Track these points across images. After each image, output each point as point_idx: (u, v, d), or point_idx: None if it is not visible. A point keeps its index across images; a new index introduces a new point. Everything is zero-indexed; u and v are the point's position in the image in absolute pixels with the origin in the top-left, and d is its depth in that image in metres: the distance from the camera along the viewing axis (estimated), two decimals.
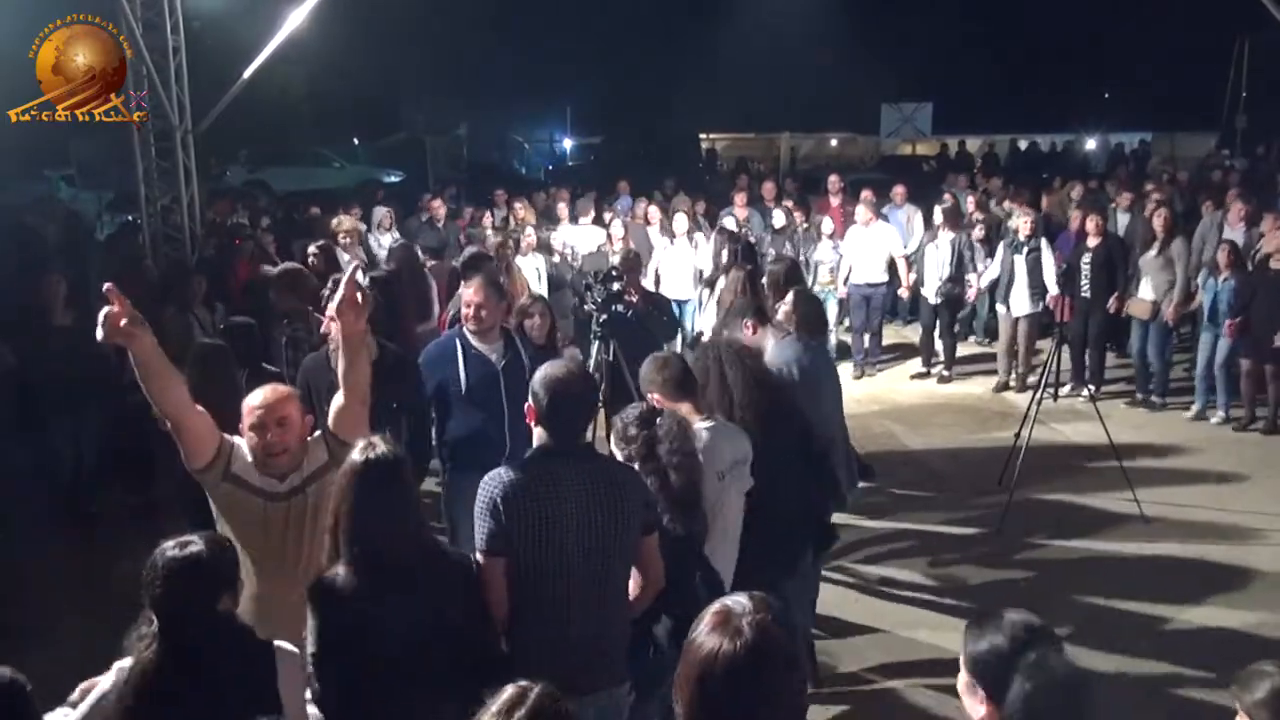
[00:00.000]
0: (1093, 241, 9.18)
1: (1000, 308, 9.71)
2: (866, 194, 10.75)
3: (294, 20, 9.94)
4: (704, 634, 1.97)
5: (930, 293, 9.87)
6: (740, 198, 11.57)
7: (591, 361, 7.28)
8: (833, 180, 12.11)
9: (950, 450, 8.12)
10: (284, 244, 9.72)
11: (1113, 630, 5.30)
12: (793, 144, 30.86)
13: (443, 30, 25.69)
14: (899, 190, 11.69)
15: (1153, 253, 8.97)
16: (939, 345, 10.17)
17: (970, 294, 10.03)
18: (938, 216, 10.05)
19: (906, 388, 9.95)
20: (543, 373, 3.16)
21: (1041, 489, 7.06)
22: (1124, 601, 5.59)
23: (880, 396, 9.64)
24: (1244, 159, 18.40)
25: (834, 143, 33.95)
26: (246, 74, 10.02)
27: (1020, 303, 9.40)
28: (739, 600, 2.00)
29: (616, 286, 6.49)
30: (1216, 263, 8.49)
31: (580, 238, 10.12)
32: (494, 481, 3.00)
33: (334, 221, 8.94)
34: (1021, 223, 9.57)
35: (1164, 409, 8.91)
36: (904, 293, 10.52)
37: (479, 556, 2.99)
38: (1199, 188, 13.28)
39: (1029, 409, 6.95)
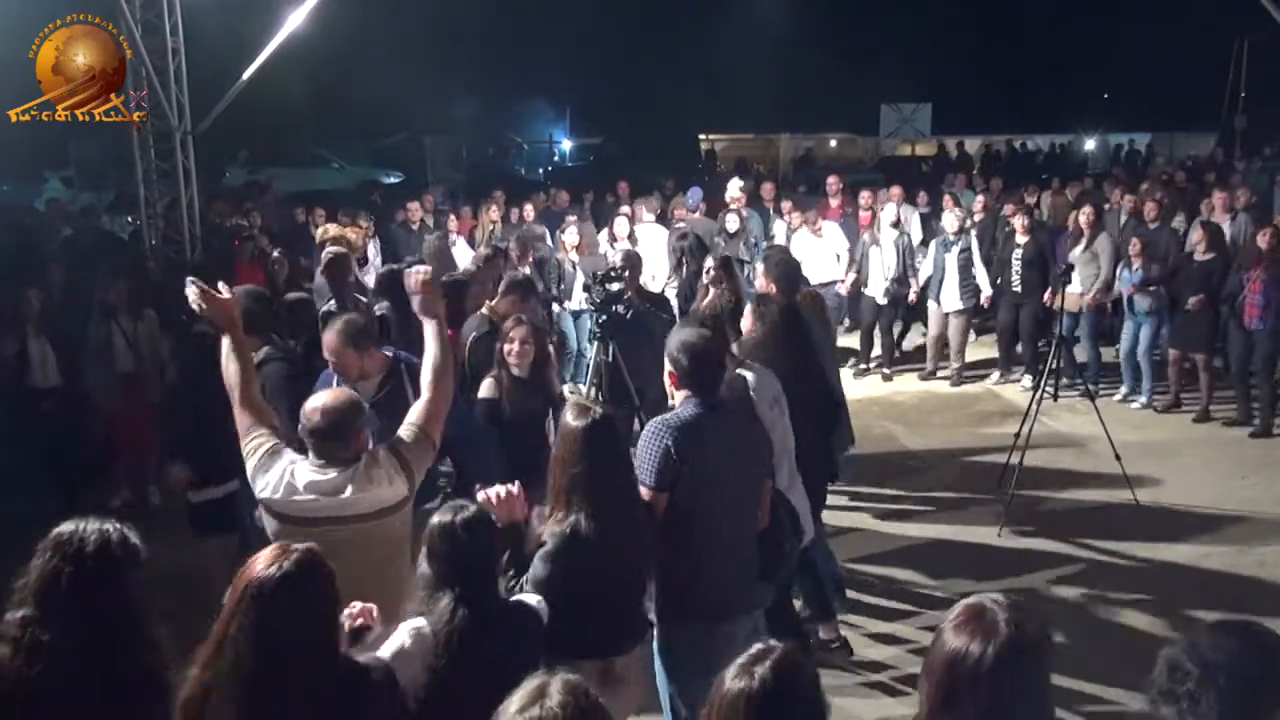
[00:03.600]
0: (1022, 239, 9.47)
1: (931, 303, 9.92)
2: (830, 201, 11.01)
3: (294, 20, 9.93)
4: (953, 632, 1.92)
5: (877, 293, 9.95)
6: (740, 199, 11.55)
7: (590, 362, 7.28)
8: (832, 181, 12.10)
9: (950, 450, 8.12)
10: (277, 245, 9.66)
11: (1114, 630, 5.31)
12: (794, 144, 30.83)
13: (442, 30, 25.67)
14: (896, 191, 11.69)
15: (1079, 248, 9.34)
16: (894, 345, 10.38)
17: (912, 294, 10.04)
18: (890, 214, 10.10)
19: (906, 388, 9.94)
20: (678, 339, 3.61)
21: (1042, 488, 7.06)
22: (1125, 601, 5.59)
23: (880, 397, 9.64)
24: (1244, 160, 18.34)
25: (834, 143, 33.93)
26: (246, 74, 10.01)
27: (951, 299, 9.66)
28: (993, 598, 1.97)
29: (615, 287, 6.48)
30: (1129, 254, 8.91)
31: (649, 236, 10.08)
32: (661, 431, 3.44)
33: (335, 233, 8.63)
34: (949, 221, 9.83)
35: (1101, 395, 8.84)
36: (842, 290, 10.36)
37: (646, 492, 3.40)
38: (1196, 188, 13.27)
39: (1029, 408, 6.95)
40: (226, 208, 11.46)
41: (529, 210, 11.11)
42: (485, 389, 4.97)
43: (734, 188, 11.04)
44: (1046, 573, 6.01)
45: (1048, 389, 7.10)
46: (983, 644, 1.87)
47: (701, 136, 29.87)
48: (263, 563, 2.30)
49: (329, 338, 4.29)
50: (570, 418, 3.28)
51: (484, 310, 5.84)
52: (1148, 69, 27.25)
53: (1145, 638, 5.19)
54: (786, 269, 6.03)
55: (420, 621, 2.73)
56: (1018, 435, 6.86)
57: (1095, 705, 4.61)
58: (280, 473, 3.25)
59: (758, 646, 2.02)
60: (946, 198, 11.61)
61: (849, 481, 6.58)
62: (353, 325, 4.33)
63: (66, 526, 2.47)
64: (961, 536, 6.51)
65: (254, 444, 3.33)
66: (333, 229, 8.22)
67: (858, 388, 9.65)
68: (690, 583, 3.45)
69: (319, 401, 3.31)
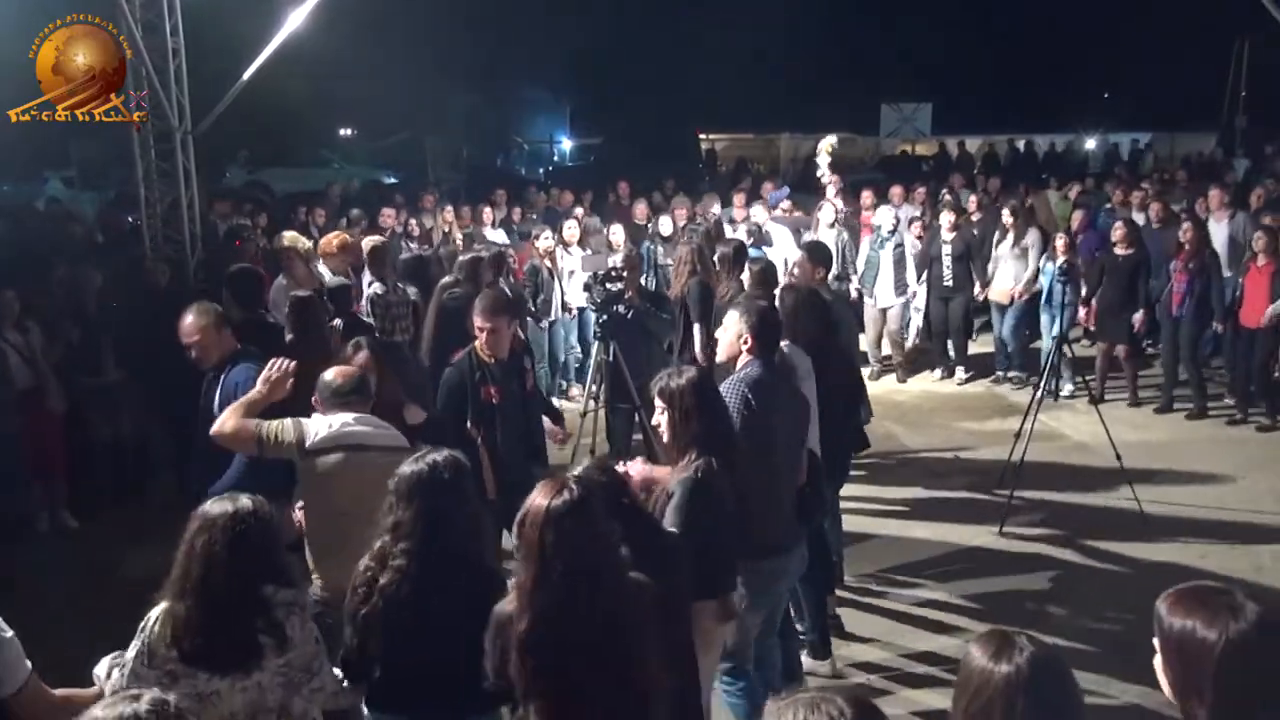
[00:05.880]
0: (948, 235, 9.74)
1: (867, 300, 9.98)
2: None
3: (294, 20, 9.90)
4: (1191, 619, 1.93)
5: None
6: (740, 198, 11.55)
7: (591, 362, 7.27)
8: (834, 180, 12.08)
9: (950, 450, 8.12)
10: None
11: (1115, 630, 5.31)
12: (794, 144, 30.78)
13: (443, 31, 25.67)
14: (896, 191, 11.69)
15: (1008, 244, 9.61)
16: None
17: (853, 291, 9.98)
18: (828, 214, 10.00)
19: (906, 388, 9.95)
20: (753, 309, 4.21)
21: (1042, 488, 7.06)
22: (1125, 601, 5.58)
23: (880, 397, 9.60)
24: (1246, 160, 18.33)
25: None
26: (247, 75, 9.99)
27: (885, 295, 9.81)
28: (1225, 588, 1.98)
29: (616, 286, 6.47)
30: (1055, 247, 9.01)
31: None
32: (738, 385, 4.01)
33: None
34: (885, 219, 9.98)
35: (1026, 385, 9.17)
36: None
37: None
38: (1194, 189, 13.27)
39: (1029, 408, 6.95)
40: (226, 208, 11.45)
41: (486, 213, 11.00)
42: None
43: (826, 144, 11.05)
44: (1046, 572, 6.02)
45: (1049, 389, 7.10)
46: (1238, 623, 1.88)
47: (701, 136, 29.85)
48: (548, 496, 2.64)
49: (191, 321, 4.63)
50: (673, 381, 3.62)
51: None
52: (1148, 69, 27.22)
53: (1145, 635, 5.18)
54: (824, 255, 6.72)
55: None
56: (1018, 435, 6.86)
57: (1092, 701, 4.61)
58: (323, 423, 3.80)
59: (995, 634, 1.99)
60: (947, 197, 11.61)
61: (849, 480, 6.58)
62: (215, 312, 4.75)
63: (410, 469, 3.01)
64: (962, 536, 6.51)
65: (275, 423, 3.81)
66: (287, 236, 8.06)
67: None
68: (752, 520, 3.77)
69: (339, 372, 3.99)
